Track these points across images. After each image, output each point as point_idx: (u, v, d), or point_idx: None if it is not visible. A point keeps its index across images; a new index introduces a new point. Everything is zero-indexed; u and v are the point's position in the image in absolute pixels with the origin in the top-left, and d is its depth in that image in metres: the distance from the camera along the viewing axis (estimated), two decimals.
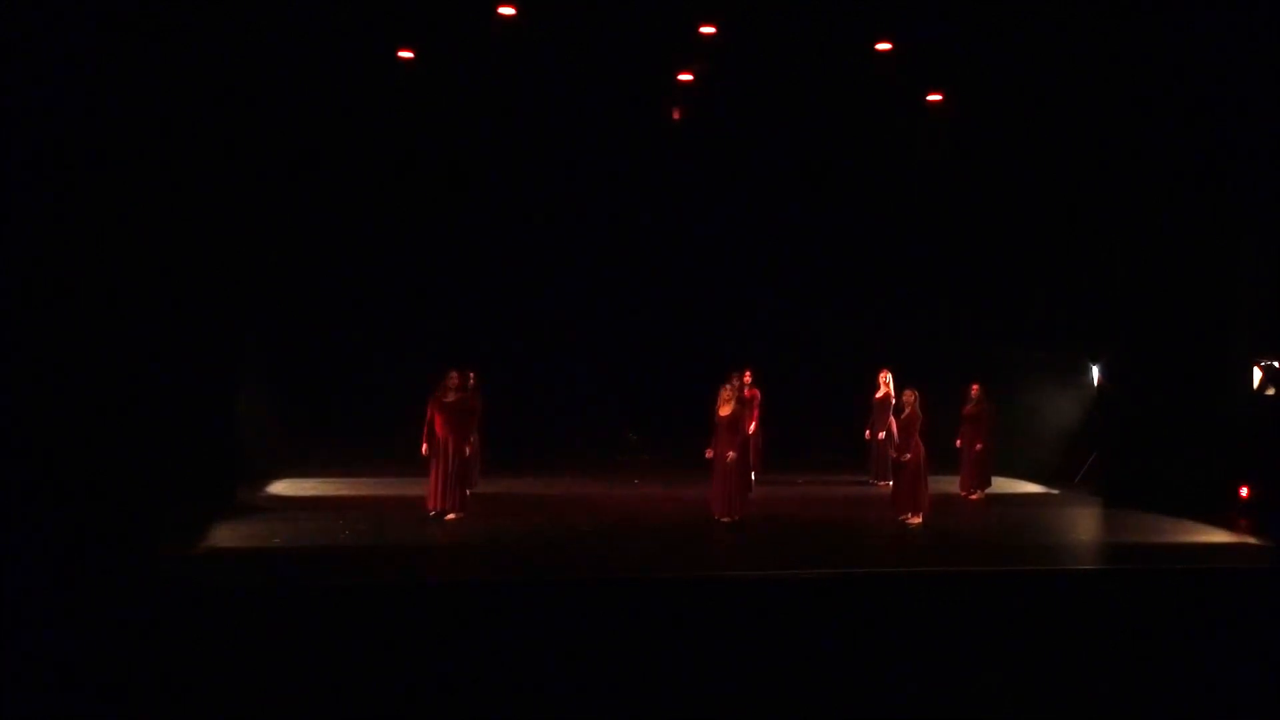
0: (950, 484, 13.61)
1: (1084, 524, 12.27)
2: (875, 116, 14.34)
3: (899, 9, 11.64)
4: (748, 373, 13.24)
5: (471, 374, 12.52)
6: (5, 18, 9.25)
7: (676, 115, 14.66)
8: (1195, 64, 11.67)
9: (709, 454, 11.46)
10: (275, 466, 14.23)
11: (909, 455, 11.52)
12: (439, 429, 11.56)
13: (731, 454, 11.26)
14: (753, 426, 13.07)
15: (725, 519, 11.35)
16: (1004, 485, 14.70)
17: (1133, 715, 6.35)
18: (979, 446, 13.40)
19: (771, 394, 14.39)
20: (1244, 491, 11.92)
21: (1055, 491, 14.15)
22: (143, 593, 7.96)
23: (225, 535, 10.49)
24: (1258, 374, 12.76)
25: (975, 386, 13.64)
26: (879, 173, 15.68)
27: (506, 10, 11.39)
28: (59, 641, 6.89)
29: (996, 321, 15.36)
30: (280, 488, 13.56)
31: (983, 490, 13.55)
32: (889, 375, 14.00)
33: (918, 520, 11.52)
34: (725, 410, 11.45)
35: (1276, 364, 12.20)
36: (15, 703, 6.00)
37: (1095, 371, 14.65)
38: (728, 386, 11.67)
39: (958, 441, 13.57)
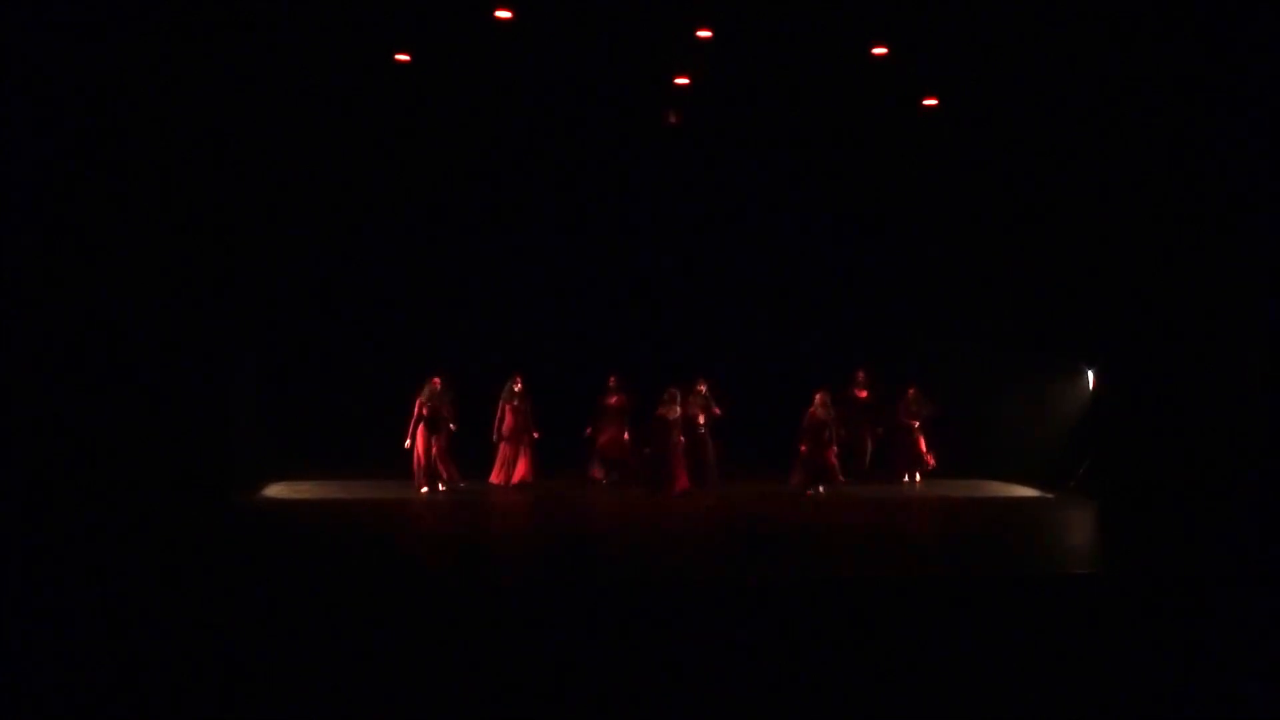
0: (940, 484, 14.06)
1: (1080, 527, 12.29)
2: (871, 121, 14.39)
3: (895, 13, 11.66)
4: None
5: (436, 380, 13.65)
6: (5, 17, 9.27)
7: (673, 119, 14.71)
8: (1193, 64, 11.70)
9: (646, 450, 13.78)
10: (272, 469, 14.24)
11: (804, 447, 13.82)
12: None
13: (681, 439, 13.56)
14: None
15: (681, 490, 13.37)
16: (1000, 489, 14.73)
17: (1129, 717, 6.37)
18: (909, 438, 15.29)
19: (767, 396, 14.60)
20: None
21: (1051, 495, 14.17)
22: (140, 594, 7.96)
23: (222, 537, 10.49)
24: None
25: (911, 390, 15.31)
26: (875, 176, 15.73)
27: (503, 14, 11.41)
28: (56, 645, 6.89)
29: (992, 325, 15.39)
30: (277, 490, 13.58)
31: (922, 475, 15.33)
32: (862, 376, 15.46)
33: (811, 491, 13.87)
34: (673, 413, 13.49)
35: None
36: (12, 705, 6.00)
37: (1091, 375, 14.68)
38: (681, 392, 13.64)
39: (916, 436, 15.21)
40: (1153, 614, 8.15)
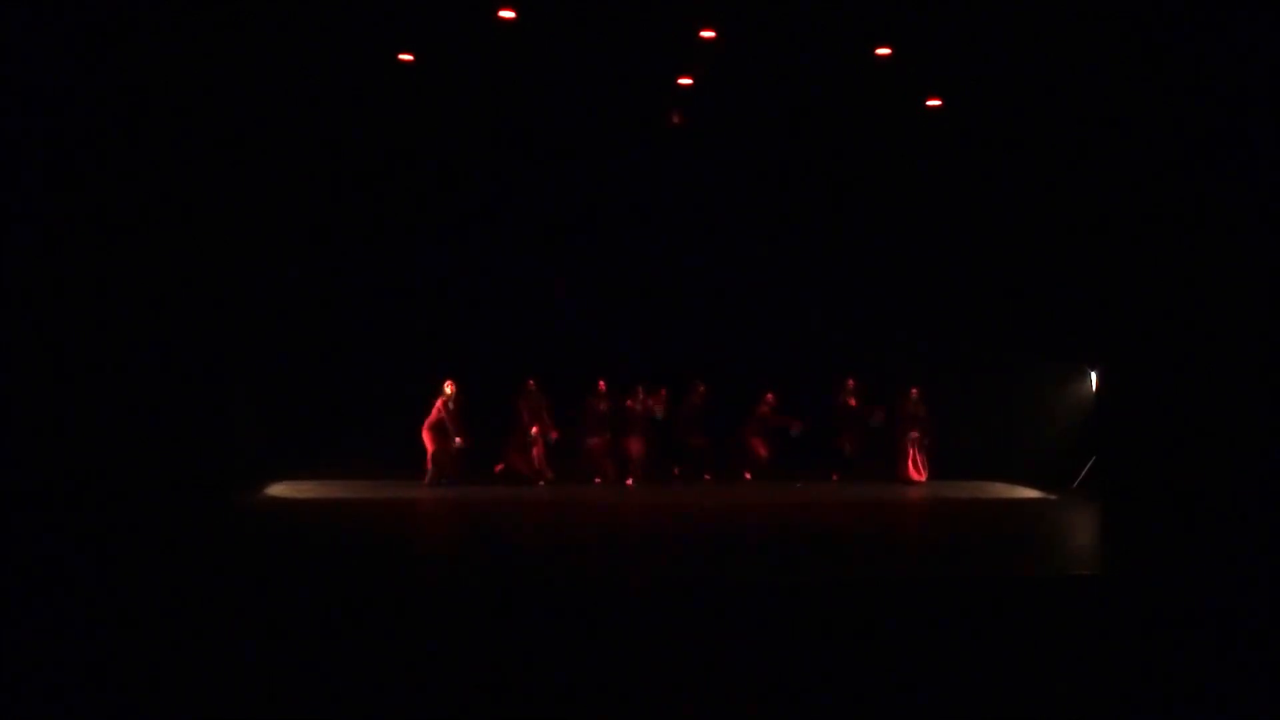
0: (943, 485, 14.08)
1: (1083, 528, 12.27)
2: (874, 121, 14.39)
3: (899, 14, 11.65)
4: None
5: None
6: (2, 17, 9.27)
7: (677, 119, 14.73)
8: (1195, 67, 11.69)
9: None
10: (274, 468, 14.25)
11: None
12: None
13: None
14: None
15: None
16: (1003, 490, 14.72)
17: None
18: (915, 438, 15.38)
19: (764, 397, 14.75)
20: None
21: (1054, 496, 14.16)
22: (142, 594, 7.96)
23: (224, 536, 10.49)
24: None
25: (914, 390, 15.42)
26: (878, 176, 15.73)
27: (507, 14, 11.42)
28: (57, 646, 6.89)
29: (995, 326, 15.39)
30: (279, 489, 13.58)
31: (923, 475, 15.43)
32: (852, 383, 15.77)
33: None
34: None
35: None
36: (13, 706, 6.00)
37: (1093, 376, 14.68)
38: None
39: (912, 433, 15.38)
40: (1155, 616, 8.13)
